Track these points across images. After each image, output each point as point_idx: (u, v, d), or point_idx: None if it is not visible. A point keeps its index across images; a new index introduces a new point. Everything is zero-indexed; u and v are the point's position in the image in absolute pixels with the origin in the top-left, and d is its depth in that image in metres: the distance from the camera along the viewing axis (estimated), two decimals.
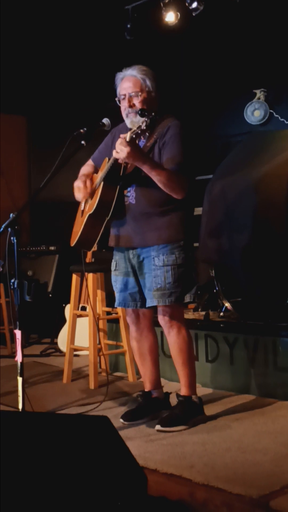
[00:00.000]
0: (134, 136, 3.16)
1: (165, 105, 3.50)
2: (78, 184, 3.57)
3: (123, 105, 3.42)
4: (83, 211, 3.59)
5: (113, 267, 3.61)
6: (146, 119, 3.12)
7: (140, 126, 3.14)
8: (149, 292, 3.42)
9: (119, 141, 3.19)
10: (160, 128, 3.36)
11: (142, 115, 3.17)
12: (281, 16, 5.53)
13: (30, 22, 6.28)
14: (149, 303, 3.44)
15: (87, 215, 3.40)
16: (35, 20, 6.26)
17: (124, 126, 3.53)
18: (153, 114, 3.17)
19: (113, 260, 3.61)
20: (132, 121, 3.38)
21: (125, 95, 3.40)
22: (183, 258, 3.39)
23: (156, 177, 3.25)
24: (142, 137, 3.18)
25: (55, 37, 6.36)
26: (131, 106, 3.39)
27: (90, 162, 3.74)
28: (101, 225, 3.41)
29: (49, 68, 6.60)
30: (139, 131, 3.15)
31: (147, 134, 3.21)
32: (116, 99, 3.45)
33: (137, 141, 3.19)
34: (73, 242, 3.56)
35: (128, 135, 3.17)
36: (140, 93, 3.37)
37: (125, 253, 3.53)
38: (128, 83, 3.39)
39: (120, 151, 3.16)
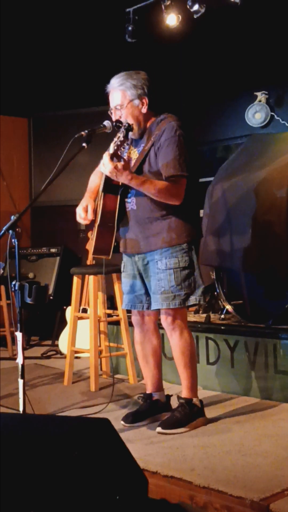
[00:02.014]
0: (116, 147, 3.22)
1: (165, 108, 3.50)
2: (78, 210, 3.57)
3: (113, 118, 3.47)
4: (94, 221, 3.61)
5: (122, 269, 3.67)
6: (123, 130, 3.23)
7: (119, 137, 3.23)
8: (154, 295, 3.44)
9: (103, 156, 3.23)
10: (157, 130, 3.38)
11: (117, 127, 3.26)
12: (282, 18, 5.53)
13: (31, 25, 6.28)
14: (154, 306, 3.46)
15: (96, 226, 3.44)
16: (36, 23, 6.26)
17: None
18: (127, 124, 3.27)
19: (122, 262, 3.66)
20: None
21: (112, 108, 3.47)
22: (186, 261, 3.40)
23: (146, 192, 3.29)
24: (126, 144, 3.28)
25: (56, 40, 6.37)
26: (117, 119, 3.45)
27: (98, 169, 3.74)
28: (111, 234, 3.43)
29: (50, 70, 6.60)
30: (119, 142, 3.22)
31: (126, 144, 3.30)
32: (109, 112, 3.50)
33: (120, 152, 3.24)
34: (90, 253, 3.61)
35: (111, 148, 3.24)
36: (121, 105, 3.42)
37: (131, 257, 3.56)
38: (111, 96, 3.47)
39: (105, 167, 3.21)
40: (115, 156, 3.23)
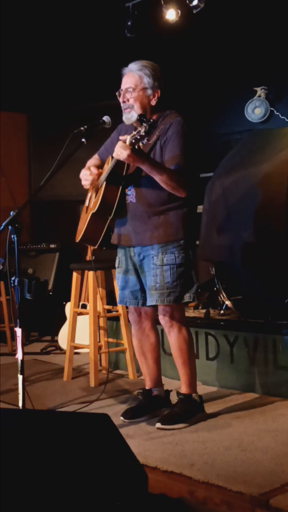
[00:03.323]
0: (133, 141, 3.16)
1: (165, 103, 3.49)
2: (83, 172, 3.57)
3: (120, 100, 3.45)
4: (87, 207, 3.60)
5: (116, 264, 3.64)
6: (145, 125, 3.11)
7: (139, 131, 3.13)
8: (149, 291, 3.43)
9: (119, 143, 3.20)
10: (162, 125, 3.37)
11: (140, 121, 3.16)
12: (282, 13, 5.52)
13: (31, 20, 6.27)
14: (149, 302, 3.45)
15: (90, 213, 3.41)
16: (35, 18, 6.25)
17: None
18: (152, 120, 3.15)
19: (117, 257, 3.63)
20: (126, 117, 3.42)
21: (122, 90, 3.43)
22: (182, 258, 3.39)
23: (157, 176, 3.25)
24: (146, 140, 3.20)
25: (56, 35, 6.35)
26: (124, 101, 3.42)
27: (96, 156, 3.74)
28: (104, 224, 3.42)
29: (50, 66, 6.59)
30: (138, 137, 3.14)
31: (146, 140, 3.23)
32: (117, 93, 3.46)
33: (137, 146, 3.19)
34: (78, 238, 3.57)
35: (128, 140, 3.18)
36: (133, 89, 3.39)
37: (126, 251, 3.54)
38: (126, 78, 3.43)
39: (120, 153, 3.17)
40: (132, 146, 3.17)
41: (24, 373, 3.00)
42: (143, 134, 3.13)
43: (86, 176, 3.55)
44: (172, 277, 3.37)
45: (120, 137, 3.29)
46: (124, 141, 3.19)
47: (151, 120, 3.15)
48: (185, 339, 3.45)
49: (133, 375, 4.53)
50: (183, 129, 3.34)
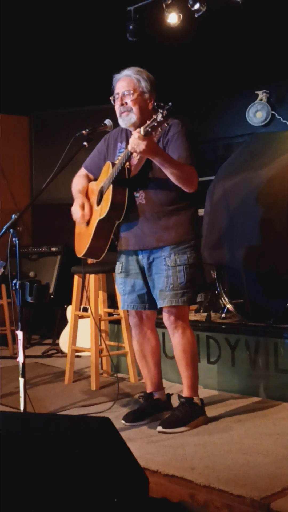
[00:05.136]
0: (149, 129, 3.10)
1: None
2: (75, 209, 3.59)
3: (116, 104, 3.43)
4: (88, 221, 3.56)
5: (118, 270, 3.60)
6: (162, 111, 3.03)
7: (155, 119, 3.06)
8: (161, 293, 3.41)
9: (134, 135, 3.15)
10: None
11: (158, 107, 3.07)
12: (284, 17, 5.53)
13: (32, 23, 6.28)
14: (161, 304, 3.42)
15: (96, 221, 3.39)
16: (36, 22, 6.26)
17: (118, 132, 3.54)
18: (170, 104, 3.05)
19: (118, 263, 3.60)
20: (124, 120, 3.41)
21: (118, 94, 3.42)
22: (194, 258, 3.39)
23: (169, 169, 3.23)
24: (160, 128, 3.12)
25: (57, 38, 6.36)
26: (123, 104, 3.40)
27: (83, 172, 3.72)
28: (111, 231, 3.41)
29: (51, 69, 6.60)
30: (155, 124, 3.07)
31: (165, 125, 3.16)
32: (111, 98, 3.46)
33: (154, 134, 3.16)
34: (80, 253, 3.55)
35: (142, 130, 3.11)
36: (132, 92, 3.38)
37: (132, 255, 3.51)
38: (122, 82, 3.42)
39: (137, 145, 3.12)
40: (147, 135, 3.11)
41: (25, 376, 3.00)
42: (161, 119, 3.05)
43: (78, 217, 3.56)
44: (186, 278, 3.36)
45: (133, 132, 3.25)
46: (139, 132, 3.12)
47: (169, 104, 3.06)
48: (189, 341, 3.45)
49: (134, 379, 4.53)
50: (183, 129, 3.34)
